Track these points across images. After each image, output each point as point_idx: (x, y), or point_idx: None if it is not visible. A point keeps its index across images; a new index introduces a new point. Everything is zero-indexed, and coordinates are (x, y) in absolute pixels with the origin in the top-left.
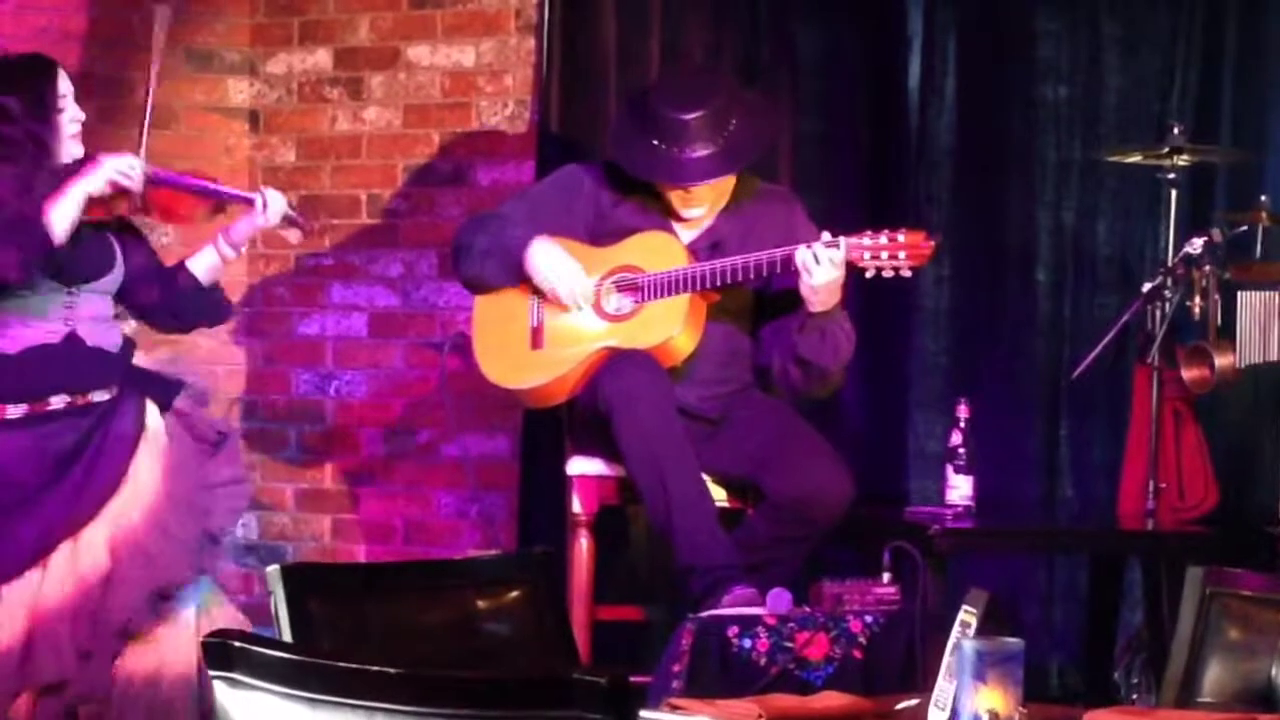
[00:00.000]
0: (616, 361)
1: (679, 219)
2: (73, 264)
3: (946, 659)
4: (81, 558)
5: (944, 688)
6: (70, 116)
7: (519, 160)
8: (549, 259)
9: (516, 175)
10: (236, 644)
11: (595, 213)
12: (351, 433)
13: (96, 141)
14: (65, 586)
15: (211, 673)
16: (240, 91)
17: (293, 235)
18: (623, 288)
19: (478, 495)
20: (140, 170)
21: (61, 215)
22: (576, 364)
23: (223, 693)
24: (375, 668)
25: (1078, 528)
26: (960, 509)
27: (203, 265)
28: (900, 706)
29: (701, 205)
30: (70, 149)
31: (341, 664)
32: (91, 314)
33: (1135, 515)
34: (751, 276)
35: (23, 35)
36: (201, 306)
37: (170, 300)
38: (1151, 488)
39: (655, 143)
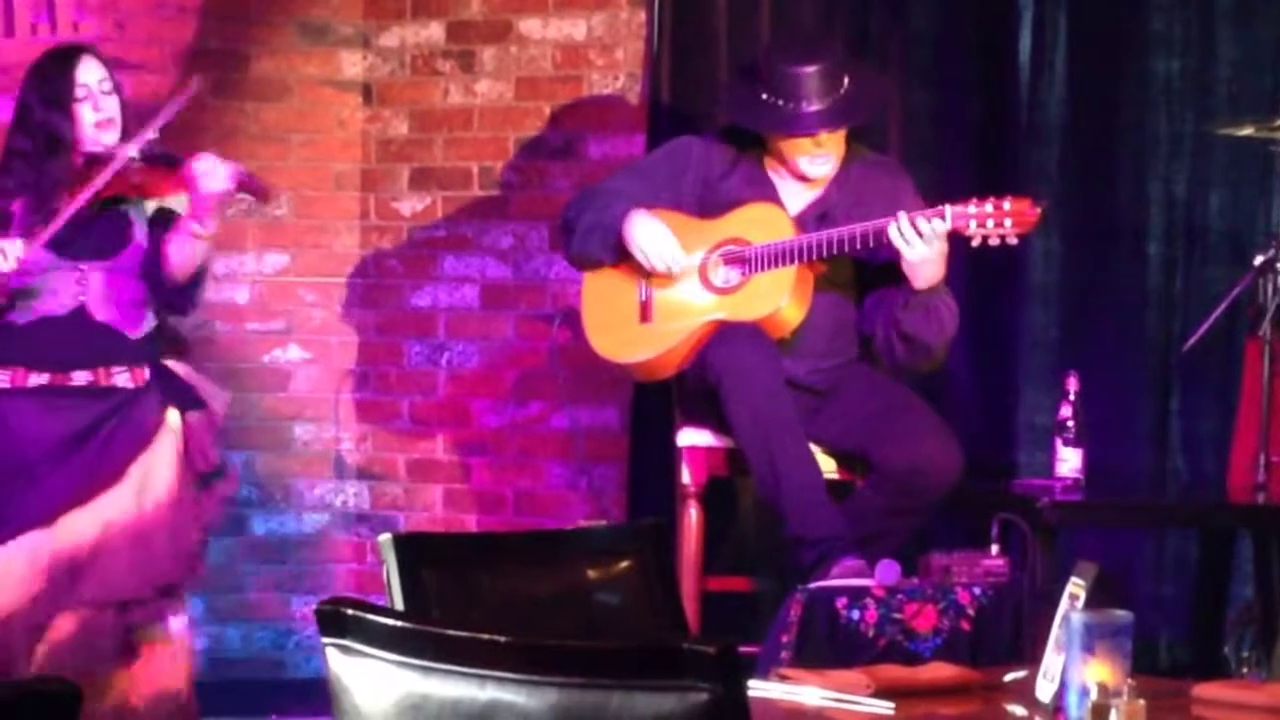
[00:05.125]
0: (725, 334)
1: (803, 179)
2: (85, 239)
3: (1055, 631)
4: (60, 538)
5: (1052, 660)
6: (96, 106)
7: (629, 133)
8: (643, 230)
9: (627, 148)
10: (350, 612)
11: (703, 184)
12: (463, 404)
13: (208, 116)
14: (40, 563)
15: (324, 640)
16: (353, 64)
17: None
18: (730, 260)
19: (587, 467)
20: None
21: None
22: (685, 337)
23: (335, 660)
24: (486, 636)
25: (1187, 501)
26: (1069, 482)
27: (173, 248)
28: (1008, 678)
29: (828, 159)
30: (101, 138)
31: (453, 632)
32: (103, 291)
33: (1246, 489)
34: (858, 247)
35: (140, 10)
36: (165, 295)
37: (151, 287)
38: (1263, 461)
39: (770, 99)
